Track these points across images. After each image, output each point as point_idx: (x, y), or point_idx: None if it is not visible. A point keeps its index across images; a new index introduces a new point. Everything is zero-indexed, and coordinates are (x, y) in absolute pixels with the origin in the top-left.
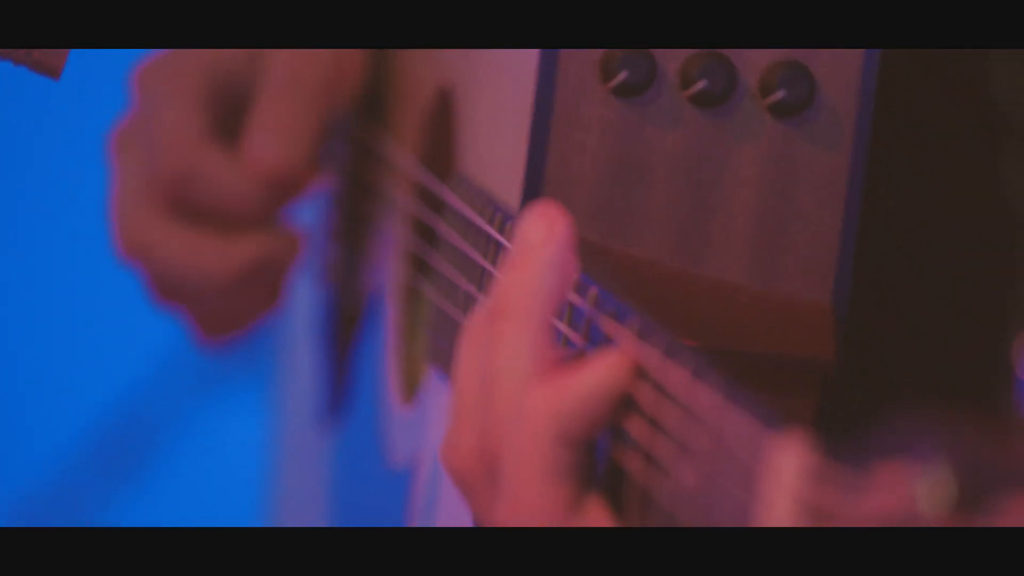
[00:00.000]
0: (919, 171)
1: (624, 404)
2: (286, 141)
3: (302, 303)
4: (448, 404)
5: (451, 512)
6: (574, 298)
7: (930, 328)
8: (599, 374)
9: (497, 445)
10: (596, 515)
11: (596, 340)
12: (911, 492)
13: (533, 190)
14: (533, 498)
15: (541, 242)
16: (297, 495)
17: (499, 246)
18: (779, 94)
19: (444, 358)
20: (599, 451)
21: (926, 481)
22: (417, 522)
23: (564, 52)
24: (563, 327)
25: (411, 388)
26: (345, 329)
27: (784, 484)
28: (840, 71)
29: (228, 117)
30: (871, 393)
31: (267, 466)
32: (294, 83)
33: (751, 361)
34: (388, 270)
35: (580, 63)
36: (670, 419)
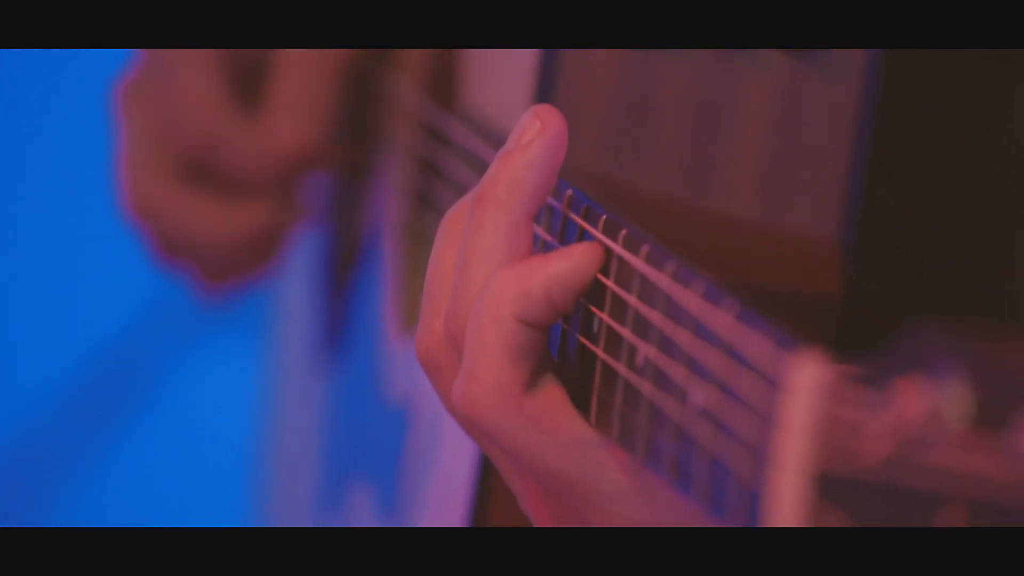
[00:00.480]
0: (930, 105)
1: (597, 297)
2: (306, 119)
3: (300, 246)
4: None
5: (453, 450)
6: (552, 201)
7: (939, 262)
8: (567, 260)
9: (463, 327)
10: (551, 402)
11: (570, 240)
12: (931, 405)
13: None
14: (489, 375)
15: (532, 138)
16: (293, 434)
17: None
18: None
19: None
20: (569, 344)
21: (946, 394)
22: (416, 460)
23: None
24: (539, 230)
25: (410, 323)
26: (343, 266)
27: (803, 400)
28: None
29: (244, 84)
30: (882, 324)
31: (262, 407)
32: (314, 59)
33: (757, 294)
34: (388, 206)
35: None
36: (679, 335)
